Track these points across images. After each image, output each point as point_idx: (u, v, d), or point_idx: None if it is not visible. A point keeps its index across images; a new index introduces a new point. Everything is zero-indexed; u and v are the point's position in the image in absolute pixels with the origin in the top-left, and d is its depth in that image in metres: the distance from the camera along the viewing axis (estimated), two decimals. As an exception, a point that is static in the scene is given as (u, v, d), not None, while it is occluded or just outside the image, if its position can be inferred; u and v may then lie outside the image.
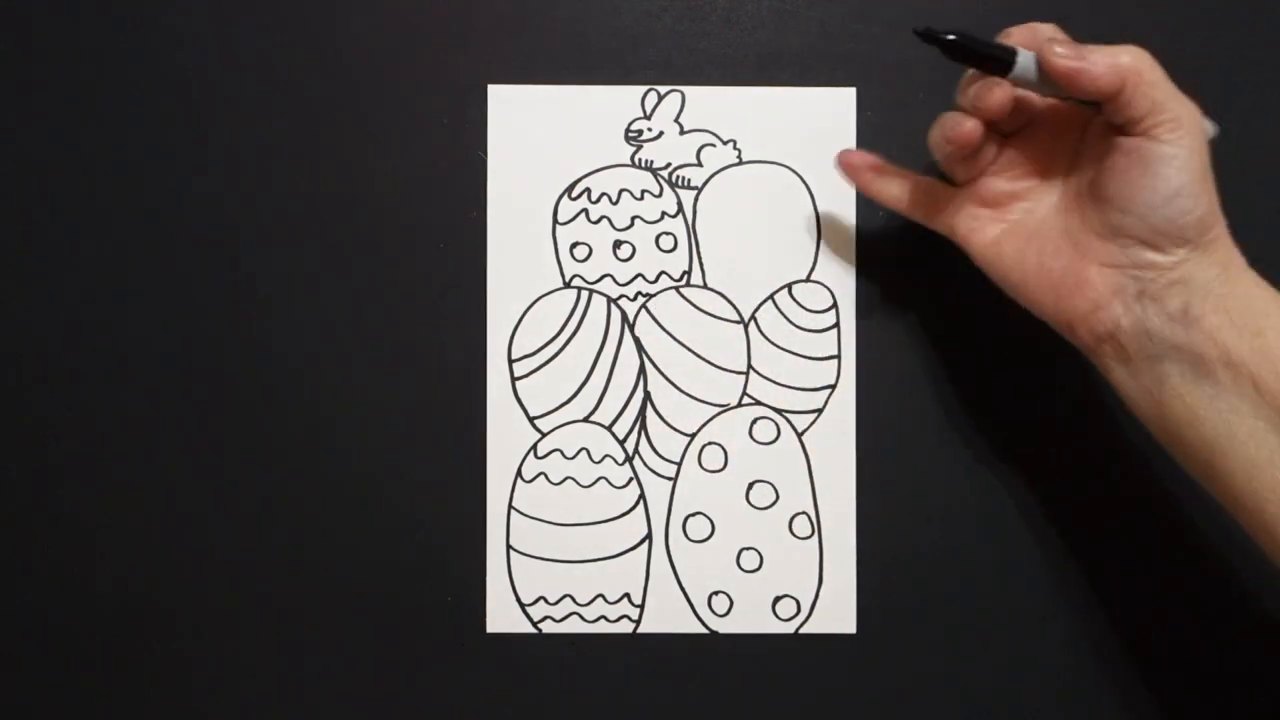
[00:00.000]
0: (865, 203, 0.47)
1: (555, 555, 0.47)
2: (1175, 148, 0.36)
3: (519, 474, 0.47)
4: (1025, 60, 0.37)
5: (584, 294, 0.48)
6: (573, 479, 0.47)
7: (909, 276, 0.47)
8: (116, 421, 0.47)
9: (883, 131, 0.47)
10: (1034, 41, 0.38)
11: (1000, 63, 0.37)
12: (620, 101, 0.47)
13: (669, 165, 0.48)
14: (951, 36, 0.37)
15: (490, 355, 0.47)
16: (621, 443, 0.48)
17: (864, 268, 0.47)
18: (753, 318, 0.48)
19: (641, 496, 0.47)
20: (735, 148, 0.47)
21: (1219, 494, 0.37)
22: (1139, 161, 0.36)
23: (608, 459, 0.47)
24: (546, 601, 0.47)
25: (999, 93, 0.38)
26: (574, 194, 0.48)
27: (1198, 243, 0.37)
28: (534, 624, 0.47)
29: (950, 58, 0.38)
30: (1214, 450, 0.36)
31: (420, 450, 0.47)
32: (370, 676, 0.47)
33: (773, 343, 0.48)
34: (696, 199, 0.48)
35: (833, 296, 0.48)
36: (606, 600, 0.47)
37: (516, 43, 0.47)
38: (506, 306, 0.47)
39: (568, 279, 0.48)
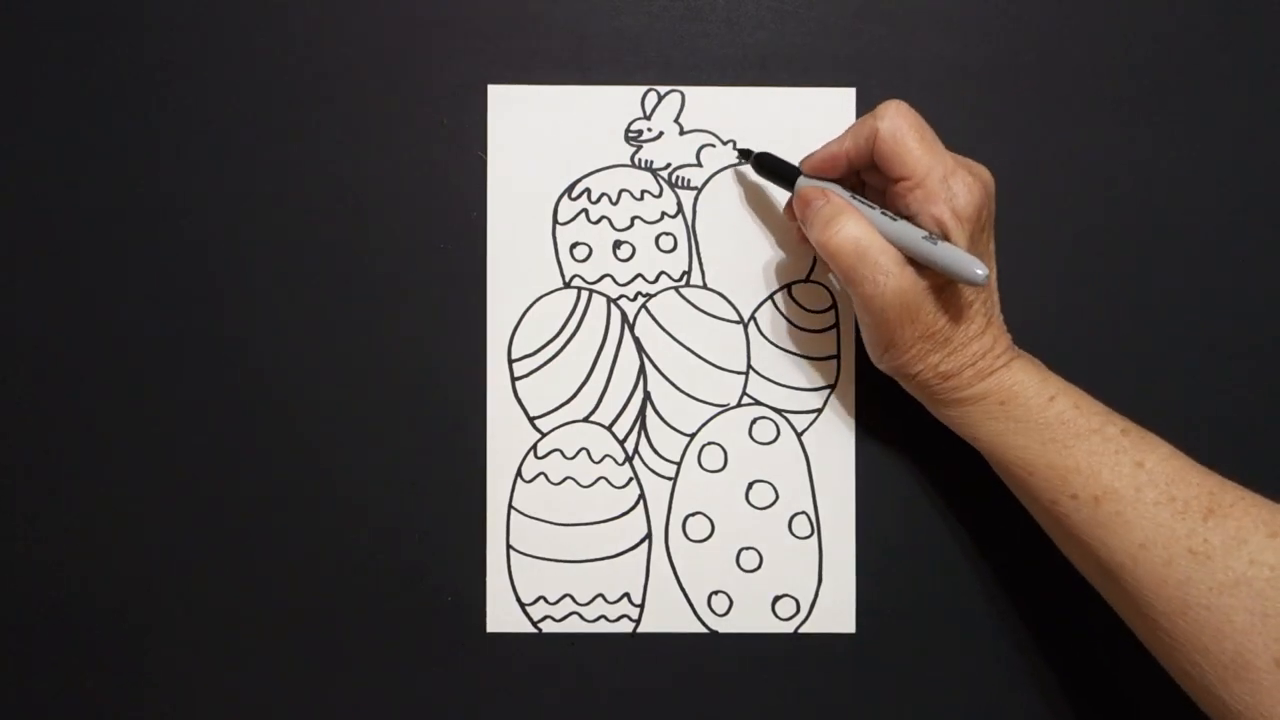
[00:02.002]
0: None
1: (555, 555, 0.47)
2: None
3: (519, 474, 0.47)
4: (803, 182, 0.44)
5: (584, 294, 0.48)
6: (573, 479, 0.47)
7: (909, 276, 0.47)
8: (115, 418, 0.47)
9: (883, 131, 0.47)
10: (828, 170, 0.43)
11: (788, 180, 0.45)
12: (620, 101, 0.47)
13: (669, 165, 0.48)
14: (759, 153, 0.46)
15: (490, 355, 0.47)
16: (621, 443, 0.48)
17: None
18: (752, 318, 0.48)
19: (641, 496, 0.48)
20: (735, 148, 0.47)
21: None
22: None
23: (608, 459, 0.48)
24: (546, 601, 0.47)
25: (787, 212, 0.46)
26: (574, 194, 0.48)
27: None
28: (534, 624, 0.47)
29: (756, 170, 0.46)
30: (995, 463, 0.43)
31: (420, 450, 0.47)
32: (371, 676, 0.47)
33: (772, 343, 0.48)
34: (696, 199, 0.48)
35: (832, 296, 0.48)
36: (606, 600, 0.47)
37: (516, 43, 0.47)
38: (506, 306, 0.47)
39: (568, 279, 0.48)
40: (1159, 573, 0.37)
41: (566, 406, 0.48)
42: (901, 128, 0.40)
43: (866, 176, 0.44)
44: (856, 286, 0.40)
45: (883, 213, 0.41)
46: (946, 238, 0.39)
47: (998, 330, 0.42)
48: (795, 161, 0.46)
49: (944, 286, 0.40)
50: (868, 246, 0.40)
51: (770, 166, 0.45)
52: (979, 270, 0.37)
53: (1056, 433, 0.40)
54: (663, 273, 0.48)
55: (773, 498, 0.47)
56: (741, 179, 0.48)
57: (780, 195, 0.47)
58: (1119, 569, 0.38)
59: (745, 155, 0.46)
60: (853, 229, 0.40)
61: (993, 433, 0.41)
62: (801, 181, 0.44)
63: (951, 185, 0.39)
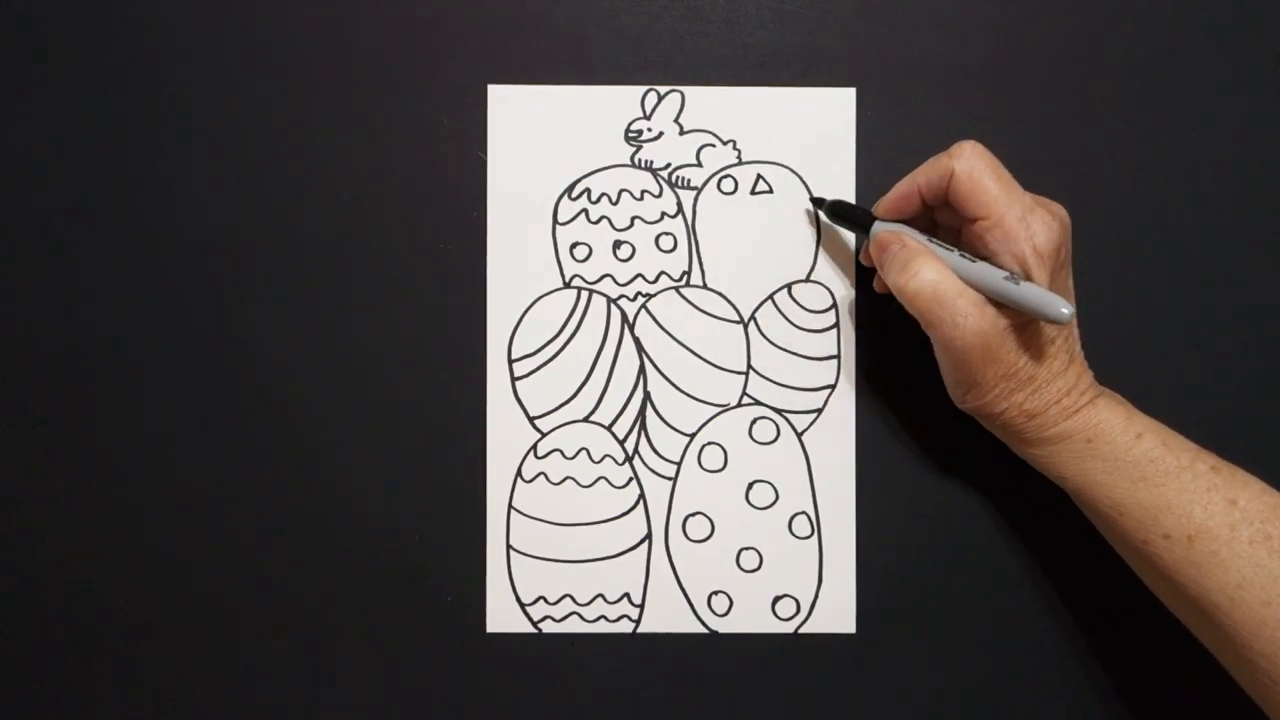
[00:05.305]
0: (864, 202, 0.47)
1: (555, 555, 0.47)
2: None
3: (519, 474, 0.47)
4: (878, 226, 0.44)
5: (584, 294, 0.48)
6: (573, 479, 0.47)
7: (909, 276, 0.47)
8: (116, 419, 0.47)
9: (882, 131, 0.47)
10: (903, 209, 0.43)
11: (862, 226, 0.45)
12: (620, 101, 0.47)
13: (669, 165, 0.48)
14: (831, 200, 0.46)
15: (490, 355, 0.47)
16: (621, 443, 0.48)
17: (863, 268, 0.47)
18: (752, 318, 0.48)
19: (641, 496, 0.48)
20: (735, 148, 0.47)
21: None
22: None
23: (608, 459, 0.48)
24: (546, 601, 0.47)
25: (864, 256, 0.45)
26: (574, 194, 0.48)
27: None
28: (534, 624, 0.47)
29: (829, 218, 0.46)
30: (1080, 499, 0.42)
31: (420, 450, 0.47)
32: (370, 676, 0.47)
33: (772, 343, 0.48)
34: (696, 199, 0.48)
35: (832, 296, 0.48)
36: (606, 600, 0.47)
37: (516, 43, 0.47)
38: (506, 306, 0.47)
39: (568, 279, 0.48)
40: (1258, 613, 0.36)
41: (566, 406, 0.48)
42: (978, 167, 0.40)
43: (939, 216, 0.44)
44: (935, 329, 0.40)
45: (961, 254, 0.40)
46: (1028, 276, 0.39)
47: (1080, 367, 0.41)
48: (804, 167, 0.46)
49: (1024, 325, 0.40)
50: (945, 290, 0.40)
51: (843, 213, 0.45)
52: (1064, 309, 0.37)
53: (1145, 471, 0.39)
54: (663, 273, 0.48)
55: (773, 498, 0.47)
56: (742, 178, 0.48)
57: (776, 179, 0.47)
58: (1214, 609, 0.38)
59: (819, 203, 0.46)
60: (929, 273, 0.40)
61: (1080, 472, 0.41)
62: (877, 226, 0.44)
63: (1030, 224, 0.39)
